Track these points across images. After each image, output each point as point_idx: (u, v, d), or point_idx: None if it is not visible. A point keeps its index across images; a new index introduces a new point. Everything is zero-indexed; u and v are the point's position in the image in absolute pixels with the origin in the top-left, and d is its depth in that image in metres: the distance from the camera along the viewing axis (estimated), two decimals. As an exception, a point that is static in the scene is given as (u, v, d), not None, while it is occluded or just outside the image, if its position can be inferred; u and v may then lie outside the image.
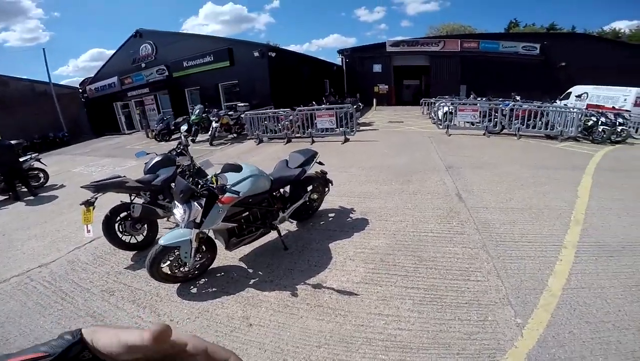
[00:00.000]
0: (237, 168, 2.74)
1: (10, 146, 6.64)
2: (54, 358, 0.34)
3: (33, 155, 7.69)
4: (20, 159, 7.15)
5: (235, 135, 11.14)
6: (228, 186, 2.61)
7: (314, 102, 11.60)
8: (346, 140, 8.88)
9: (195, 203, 2.47)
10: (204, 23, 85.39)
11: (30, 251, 4.02)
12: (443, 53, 18.91)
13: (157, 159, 4.30)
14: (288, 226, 3.71)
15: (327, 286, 2.68)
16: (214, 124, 10.30)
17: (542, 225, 3.49)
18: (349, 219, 3.86)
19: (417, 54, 19.42)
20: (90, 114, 21.37)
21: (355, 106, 10.13)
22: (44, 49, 19.92)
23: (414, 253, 3.05)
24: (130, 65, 17.69)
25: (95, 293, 2.92)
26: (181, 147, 4.79)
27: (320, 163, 3.85)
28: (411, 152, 7.19)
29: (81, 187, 3.47)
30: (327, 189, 3.95)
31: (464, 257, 2.95)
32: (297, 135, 9.46)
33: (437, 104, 11.23)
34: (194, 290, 2.81)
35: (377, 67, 20.16)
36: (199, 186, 2.54)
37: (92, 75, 21.93)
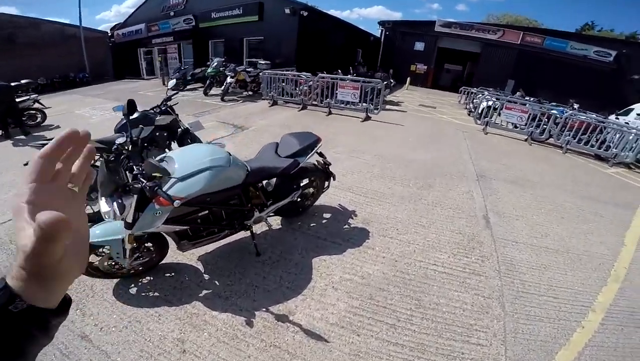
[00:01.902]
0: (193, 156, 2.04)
1: (9, 87, 6.64)
2: None
3: (32, 96, 7.69)
4: (19, 99, 7.12)
5: (250, 93, 10.48)
6: (170, 183, 1.90)
7: (339, 71, 10.54)
8: (367, 118, 7.95)
9: (122, 200, 1.79)
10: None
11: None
12: (499, 43, 17.24)
13: (134, 115, 3.69)
14: (270, 220, 3.05)
15: (293, 320, 2.07)
16: (229, 79, 9.67)
17: (576, 277, 2.76)
18: (347, 226, 3.15)
19: (469, 38, 17.82)
20: (115, 58, 21.37)
21: (385, 82, 9.02)
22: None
23: (414, 293, 2.37)
24: (159, 13, 17.33)
25: None
26: (165, 104, 4.15)
27: (320, 155, 3.06)
28: (439, 146, 6.19)
29: (29, 145, 2.91)
30: (327, 184, 3.19)
31: (472, 309, 2.26)
32: (313, 103, 8.57)
33: (478, 96, 9.94)
34: (134, 290, 2.30)
35: (419, 45, 18.98)
36: (132, 177, 1.80)
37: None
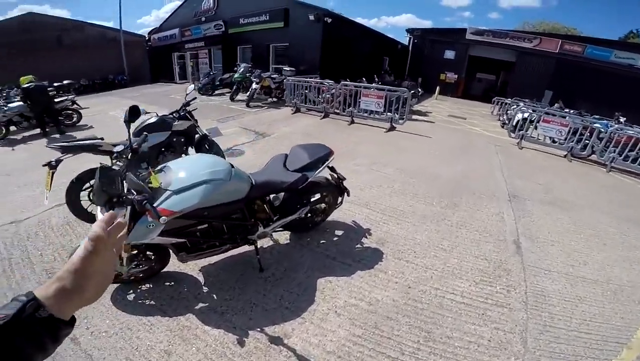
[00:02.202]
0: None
1: (43, 88, 7.05)
2: (9, 318, 0.39)
3: (69, 97, 8.26)
4: (57, 100, 7.60)
5: (275, 99, 10.62)
6: (165, 196, 1.82)
7: (364, 79, 10.39)
8: (392, 128, 7.71)
9: (117, 209, 1.75)
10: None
11: (18, 201, 3.84)
12: (536, 51, 16.35)
13: (151, 120, 3.77)
14: (278, 234, 2.95)
15: (287, 344, 1.95)
16: (254, 85, 9.89)
17: (615, 310, 2.44)
18: (359, 246, 2.97)
19: (503, 47, 17.09)
20: (151, 61, 22.59)
21: (412, 91, 8.77)
22: (120, -3, 20.70)
23: (425, 324, 2.15)
24: (191, 18, 17.97)
25: (36, 272, 2.54)
26: (184, 109, 4.21)
27: (332, 169, 2.90)
28: (468, 161, 5.84)
29: (46, 146, 3.03)
30: (340, 200, 3.02)
31: (489, 345, 2.02)
32: (336, 111, 8.48)
33: (513, 107, 9.40)
34: (131, 297, 2.29)
35: (449, 54, 18.48)
36: (126, 188, 1.79)
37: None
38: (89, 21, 20.33)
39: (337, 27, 13.59)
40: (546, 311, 2.34)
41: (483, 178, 4.96)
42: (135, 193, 1.65)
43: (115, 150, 2.34)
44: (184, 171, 1.98)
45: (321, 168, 2.62)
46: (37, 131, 7.01)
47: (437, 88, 16.33)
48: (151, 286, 2.36)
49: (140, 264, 2.20)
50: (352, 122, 8.05)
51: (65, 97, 8.08)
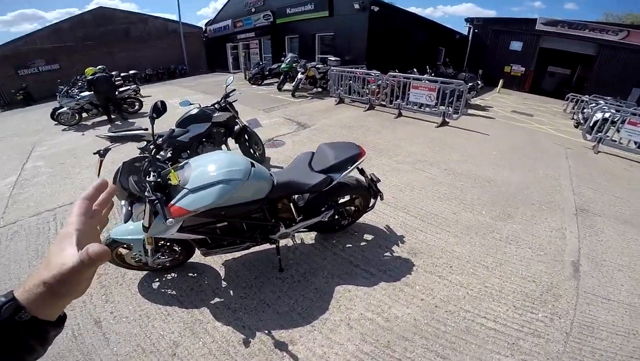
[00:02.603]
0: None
1: (108, 78, 7.81)
2: None
3: (132, 86, 9.19)
4: (120, 89, 8.36)
5: (320, 90, 10.58)
6: (182, 194, 1.82)
7: (414, 70, 9.78)
8: (444, 123, 7.11)
9: (132, 207, 1.79)
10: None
11: (79, 182, 4.32)
12: (621, 45, 14.05)
13: (193, 112, 3.91)
14: (304, 234, 2.89)
15: (291, 351, 1.92)
16: (300, 75, 9.98)
17: None
18: (388, 254, 2.78)
19: (581, 39, 14.95)
20: (207, 52, 24.03)
21: (471, 84, 8.00)
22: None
23: (442, 349, 1.94)
24: (243, 9, 18.51)
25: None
26: (225, 100, 4.29)
27: (360, 171, 2.71)
28: (531, 164, 5.12)
29: (96, 136, 3.30)
30: (372, 203, 2.79)
31: None
32: (382, 103, 8.10)
33: (591, 105, 8.16)
34: (156, 285, 2.44)
35: (515, 45, 16.78)
36: (148, 182, 1.78)
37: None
38: (151, 14, 22.15)
39: (386, 16, 13.03)
40: (589, 345, 1.99)
41: (546, 186, 4.33)
42: (151, 191, 1.67)
43: (139, 146, 2.42)
44: (202, 170, 1.97)
45: (349, 170, 2.44)
46: (105, 117, 7.82)
47: (501, 81, 14.82)
48: (175, 275, 2.48)
49: (164, 255, 2.29)
50: (400, 115, 7.64)
51: (128, 87, 8.89)
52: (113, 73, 9.91)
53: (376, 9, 12.48)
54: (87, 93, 7.78)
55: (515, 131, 7.46)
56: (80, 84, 9.15)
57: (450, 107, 7.05)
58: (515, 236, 3.13)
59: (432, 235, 3.06)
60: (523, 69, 16.73)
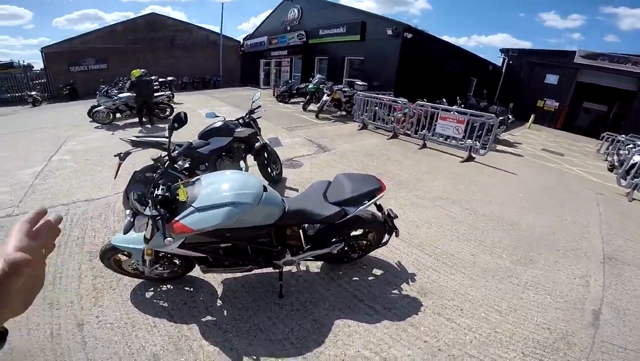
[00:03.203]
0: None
1: (149, 82, 8.19)
2: None
3: (166, 92, 9.69)
4: (157, 94, 8.76)
5: (344, 113, 10.67)
6: (188, 211, 1.80)
7: (444, 100, 9.65)
8: (469, 158, 6.85)
9: (135, 218, 1.77)
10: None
11: (98, 180, 4.45)
12: None
13: (216, 125, 3.96)
14: (309, 262, 2.76)
15: None
16: (325, 97, 10.09)
17: None
18: (395, 292, 2.61)
19: (622, 73, 14.30)
20: (242, 66, 25.03)
21: (501, 118, 7.74)
22: (222, 3, 23.53)
23: None
24: (279, 27, 19.17)
25: (82, 252, 2.82)
26: (250, 116, 4.34)
27: (379, 208, 2.58)
28: (558, 210, 4.79)
29: (120, 138, 3.40)
30: (386, 239, 2.65)
31: None
32: (407, 132, 7.98)
33: (628, 146, 7.73)
34: (149, 295, 2.39)
35: (551, 78, 16.28)
36: (154, 195, 1.78)
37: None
38: (196, 24, 23.47)
39: (418, 44, 13.03)
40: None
41: (574, 233, 4.04)
42: (153, 207, 1.65)
43: (152, 157, 2.43)
44: (212, 188, 1.93)
45: (366, 205, 2.33)
46: (136, 120, 8.18)
47: (532, 116, 14.39)
48: (171, 287, 2.43)
49: (162, 267, 2.23)
50: (424, 146, 7.48)
51: (163, 93, 9.32)
52: (152, 78, 10.41)
53: (409, 36, 12.53)
54: (125, 94, 8.20)
55: (544, 171, 7.08)
56: (120, 85, 9.69)
57: (478, 142, 6.83)
58: (534, 282, 2.91)
59: (445, 275, 2.87)
60: (557, 104, 16.16)
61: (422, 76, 13.46)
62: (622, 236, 4.09)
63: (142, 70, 8.25)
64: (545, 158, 8.57)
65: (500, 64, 18.60)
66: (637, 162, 6.16)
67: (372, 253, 2.89)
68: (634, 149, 6.83)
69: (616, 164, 7.85)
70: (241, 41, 25.00)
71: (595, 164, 8.91)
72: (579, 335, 2.30)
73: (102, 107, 8.04)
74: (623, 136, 9.20)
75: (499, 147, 8.58)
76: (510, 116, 10.64)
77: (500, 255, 3.32)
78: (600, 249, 3.68)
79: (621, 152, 8.04)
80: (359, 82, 11.00)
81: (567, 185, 6.22)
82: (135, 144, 3.26)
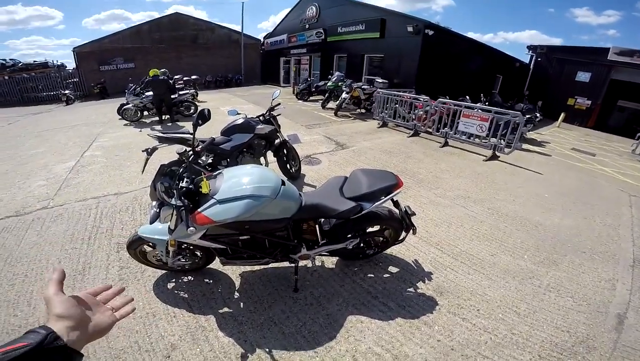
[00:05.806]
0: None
1: (164, 81, 8.40)
2: (34, 345, 0.47)
3: (190, 91, 9.90)
4: (180, 92, 9.03)
5: (363, 111, 10.60)
6: (209, 203, 1.88)
7: (467, 97, 9.37)
8: (493, 157, 6.65)
9: (160, 209, 1.87)
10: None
11: (127, 175, 4.67)
12: None
13: (238, 122, 4.07)
14: (324, 257, 2.80)
15: None
16: (344, 95, 10.07)
17: None
18: (411, 290, 2.60)
19: None
20: (262, 64, 25.32)
21: (528, 116, 7.43)
22: (242, 2, 23.97)
23: None
24: (298, 25, 19.26)
25: (111, 244, 2.96)
26: (270, 113, 4.41)
27: (395, 204, 2.59)
28: (586, 212, 4.56)
29: (147, 134, 3.57)
30: (403, 236, 2.64)
31: None
32: (428, 130, 7.86)
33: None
34: (171, 285, 2.51)
35: (582, 76, 15.45)
36: (179, 187, 1.87)
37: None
38: (218, 23, 24.00)
39: (440, 40, 12.71)
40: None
41: (602, 235, 3.84)
42: (179, 198, 1.74)
43: (178, 150, 2.53)
44: (233, 182, 2.01)
45: (382, 201, 2.33)
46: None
47: (562, 115, 13.70)
48: (192, 279, 2.54)
49: (184, 258, 2.34)
50: (446, 144, 7.31)
51: (188, 91, 9.61)
52: (176, 77, 10.74)
53: (430, 32, 12.26)
54: (151, 93, 8.53)
55: (572, 171, 6.74)
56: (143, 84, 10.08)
57: (502, 140, 6.61)
58: (557, 284, 2.81)
59: (463, 275, 2.82)
60: (589, 102, 15.31)
61: (444, 73, 13.13)
62: (655, 240, 3.84)
63: (162, 70, 8.49)
64: (575, 158, 8.14)
65: (527, 61, 17.85)
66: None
67: (388, 251, 2.89)
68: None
69: (654, 164, 7.38)
70: (261, 40, 25.32)
71: (629, 164, 8.35)
72: (600, 339, 2.22)
73: (130, 105, 8.41)
74: (661, 136, 8.64)
75: (526, 146, 8.24)
76: (538, 114, 10.18)
77: (522, 256, 3.22)
78: (630, 252, 3.49)
79: (659, 152, 7.55)
80: (379, 80, 10.89)
81: (597, 186, 5.89)
82: (161, 140, 3.41)
